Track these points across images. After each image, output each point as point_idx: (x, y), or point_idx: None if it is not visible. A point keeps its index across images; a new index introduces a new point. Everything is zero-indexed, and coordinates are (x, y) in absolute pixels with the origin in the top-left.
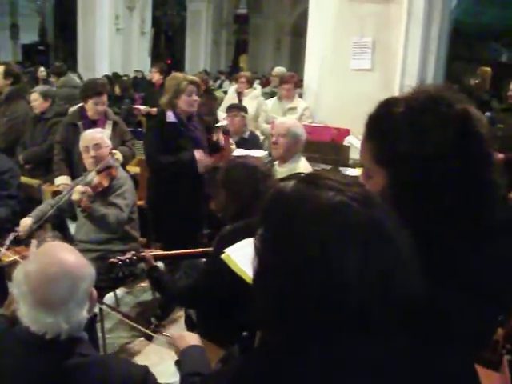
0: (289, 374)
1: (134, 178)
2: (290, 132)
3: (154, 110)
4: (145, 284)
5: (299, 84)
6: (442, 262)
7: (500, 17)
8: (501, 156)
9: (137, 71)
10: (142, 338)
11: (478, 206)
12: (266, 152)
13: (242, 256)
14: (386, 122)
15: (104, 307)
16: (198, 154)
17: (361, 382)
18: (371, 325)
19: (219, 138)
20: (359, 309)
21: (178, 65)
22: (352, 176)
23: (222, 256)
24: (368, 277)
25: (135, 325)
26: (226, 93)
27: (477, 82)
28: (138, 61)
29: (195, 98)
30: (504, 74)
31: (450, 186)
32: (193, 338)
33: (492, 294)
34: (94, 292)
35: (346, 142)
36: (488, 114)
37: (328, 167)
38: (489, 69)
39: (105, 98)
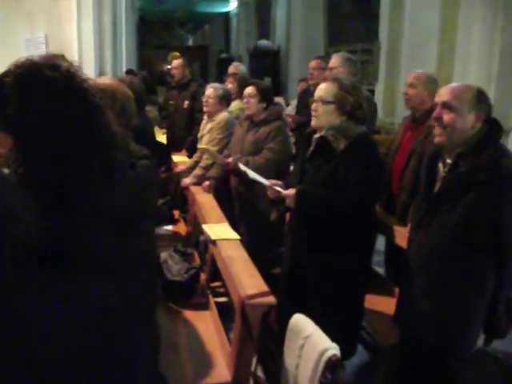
0: None
1: None
2: None
3: None
4: None
5: None
6: (72, 203)
7: (182, 3)
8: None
9: None
10: None
11: (106, 150)
12: None
13: None
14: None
15: None
16: None
17: None
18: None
19: None
20: None
21: None
22: None
23: None
24: None
25: None
26: None
27: (169, 67)
28: None
29: None
30: (192, 57)
31: (63, 137)
32: None
33: (123, 222)
34: None
35: None
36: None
37: None
38: (178, 54)
39: None
